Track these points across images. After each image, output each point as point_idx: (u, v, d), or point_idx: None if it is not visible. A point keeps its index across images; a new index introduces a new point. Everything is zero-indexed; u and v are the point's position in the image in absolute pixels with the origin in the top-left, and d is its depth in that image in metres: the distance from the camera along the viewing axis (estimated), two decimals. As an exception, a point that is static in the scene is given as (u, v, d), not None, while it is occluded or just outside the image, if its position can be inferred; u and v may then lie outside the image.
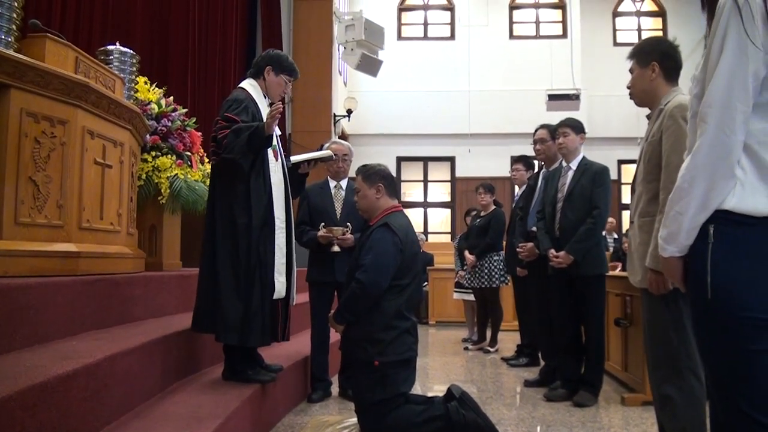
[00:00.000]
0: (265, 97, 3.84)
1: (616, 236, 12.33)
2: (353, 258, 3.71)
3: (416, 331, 3.66)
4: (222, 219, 3.54)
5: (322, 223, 4.49)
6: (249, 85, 3.82)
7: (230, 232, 3.51)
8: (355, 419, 3.63)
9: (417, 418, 3.43)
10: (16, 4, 3.43)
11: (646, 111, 3.18)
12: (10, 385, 1.98)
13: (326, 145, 4.81)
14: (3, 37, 3.33)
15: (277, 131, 3.83)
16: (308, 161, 4.08)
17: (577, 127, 4.89)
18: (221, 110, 3.61)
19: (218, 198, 3.58)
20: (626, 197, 14.34)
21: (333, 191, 4.70)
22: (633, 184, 3.10)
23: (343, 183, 4.73)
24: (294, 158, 4.07)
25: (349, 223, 4.47)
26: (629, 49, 3.15)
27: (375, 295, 3.48)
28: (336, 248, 4.42)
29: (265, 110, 3.73)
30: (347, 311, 3.56)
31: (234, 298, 3.47)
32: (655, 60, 2.95)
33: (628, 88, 3.09)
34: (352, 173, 4.32)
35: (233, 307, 3.46)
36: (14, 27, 3.42)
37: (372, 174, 3.75)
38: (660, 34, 14.15)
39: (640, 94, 3.05)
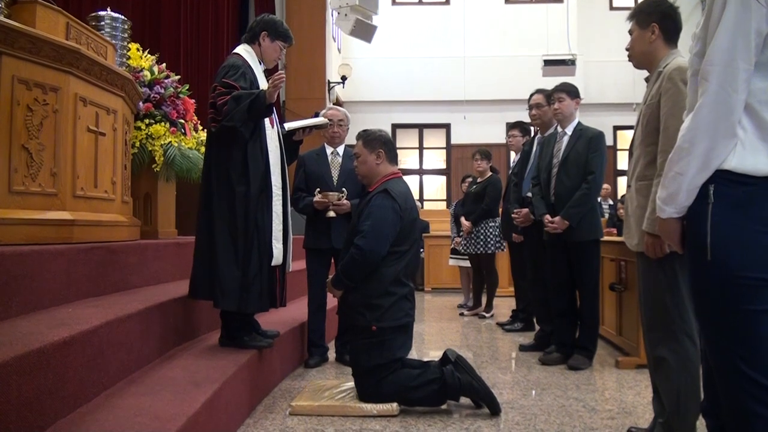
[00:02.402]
0: (260, 63, 3.80)
1: (611, 202, 12.36)
2: (351, 224, 3.71)
3: (414, 297, 3.68)
4: (219, 186, 3.52)
5: (318, 189, 4.48)
6: (244, 50, 3.77)
7: (228, 199, 3.50)
8: (352, 383, 3.65)
9: (413, 382, 3.46)
10: (4, -32, 3.38)
11: (643, 76, 3.15)
12: (6, 351, 1.99)
13: (322, 111, 4.77)
14: (-8, 2, 3.29)
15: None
16: (303, 128, 4.05)
17: (572, 92, 4.86)
18: (218, 76, 3.57)
19: (215, 165, 3.55)
20: (622, 163, 14.35)
21: (330, 158, 4.67)
22: (631, 148, 3.08)
23: (340, 149, 4.70)
24: (288, 125, 4.03)
25: (345, 189, 4.45)
26: (626, 13, 3.11)
27: (373, 261, 3.48)
28: (332, 213, 4.40)
29: (260, 76, 3.71)
30: (345, 276, 3.56)
31: (232, 265, 3.48)
32: (655, 21, 2.92)
33: (627, 50, 3.06)
34: (349, 140, 4.29)
35: (231, 274, 3.47)
36: (4, -8, 3.37)
37: (373, 139, 3.73)
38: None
39: (638, 56, 3.02)
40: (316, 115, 4.50)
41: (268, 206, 3.61)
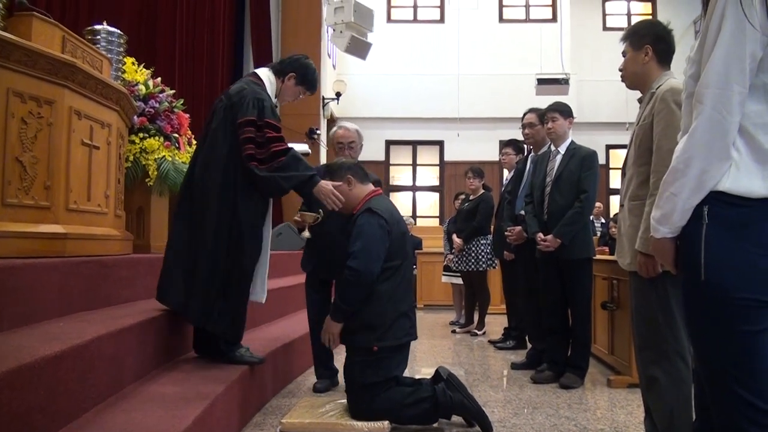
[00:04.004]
0: (275, 96, 3.79)
1: (603, 221, 12.41)
2: (342, 250, 3.66)
3: (414, 314, 3.64)
4: (221, 210, 3.49)
5: (299, 208, 4.37)
6: (267, 78, 3.75)
7: (228, 227, 3.49)
8: (343, 400, 3.63)
9: (406, 400, 3.44)
10: (1, -18, 3.39)
11: (635, 96, 3.18)
12: (-3, 365, 1.98)
13: (334, 128, 4.72)
14: (-11, 15, 3.29)
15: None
16: None
17: (565, 111, 4.89)
18: (248, 106, 3.48)
19: (222, 189, 3.49)
20: (614, 182, 14.42)
21: None
22: (623, 168, 3.10)
23: None
24: None
25: (321, 210, 4.08)
26: (619, 34, 3.15)
27: (369, 280, 3.42)
28: (306, 234, 4.20)
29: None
30: (344, 303, 3.47)
31: (210, 288, 3.48)
32: (649, 43, 2.95)
33: (620, 70, 3.08)
34: (364, 155, 4.17)
35: (208, 296, 3.48)
36: (0, 5, 3.38)
37: (337, 170, 3.72)
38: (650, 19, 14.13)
39: (631, 77, 3.04)
40: (311, 132, 4.50)
41: (261, 237, 3.63)
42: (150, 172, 4.75)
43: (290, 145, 3.75)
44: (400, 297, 3.53)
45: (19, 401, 2.00)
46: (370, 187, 3.74)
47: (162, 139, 4.92)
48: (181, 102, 5.38)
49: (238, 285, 3.53)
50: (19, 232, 3.04)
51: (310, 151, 4.24)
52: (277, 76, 3.81)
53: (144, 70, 5.17)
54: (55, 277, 2.99)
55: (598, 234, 11.34)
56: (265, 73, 3.79)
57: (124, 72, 4.93)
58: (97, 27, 4.78)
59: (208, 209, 3.50)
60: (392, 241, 3.53)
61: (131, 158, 4.69)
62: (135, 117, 4.72)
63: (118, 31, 4.86)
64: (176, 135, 5.14)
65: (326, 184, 3.56)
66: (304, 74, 3.83)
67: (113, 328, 2.84)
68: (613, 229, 9.99)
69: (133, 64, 5.09)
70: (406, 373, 3.68)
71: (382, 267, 3.48)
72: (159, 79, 5.26)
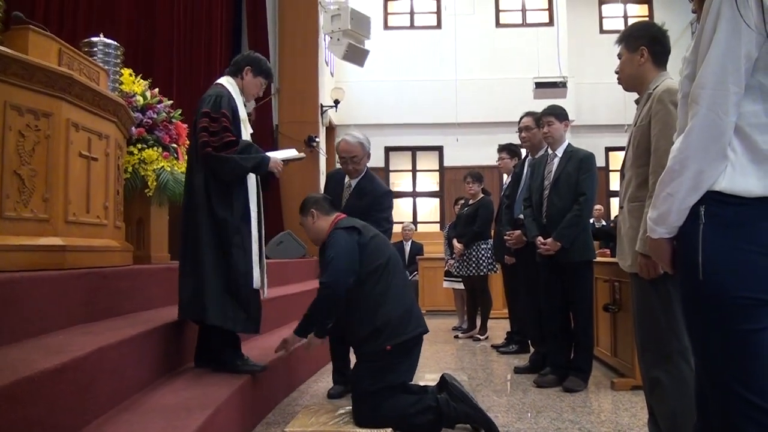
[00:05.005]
0: (241, 95, 3.86)
1: (603, 223, 12.38)
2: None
3: (418, 310, 3.67)
4: (206, 214, 3.55)
5: None
6: (227, 81, 3.84)
7: (213, 226, 3.55)
8: (347, 408, 3.63)
9: (411, 409, 3.44)
10: (-3, -5, 3.40)
11: (633, 98, 3.18)
12: (-4, 379, 1.97)
13: (338, 139, 4.71)
14: (-15, 29, 3.30)
15: (250, 129, 3.89)
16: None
17: (560, 114, 4.89)
18: (206, 102, 3.61)
19: (198, 192, 3.58)
20: (614, 184, 14.39)
21: (345, 185, 4.56)
22: (622, 170, 3.10)
23: (354, 182, 4.51)
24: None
25: None
26: (616, 36, 3.15)
27: (342, 290, 3.47)
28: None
29: (241, 107, 3.79)
30: (316, 312, 3.57)
31: (221, 290, 3.50)
32: (644, 45, 2.95)
33: (617, 72, 3.09)
34: (374, 161, 4.12)
35: (221, 297, 3.50)
36: (-3, 19, 3.39)
37: (303, 207, 3.85)
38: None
39: (628, 79, 3.05)
40: (310, 140, 4.49)
41: (248, 231, 3.67)
42: (149, 183, 4.75)
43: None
44: (398, 293, 3.56)
45: (17, 415, 1.99)
46: (333, 216, 3.83)
47: (160, 149, 4.93)
48: (179, 112, 5.38)
49: (237, 283, 3.56)
50: (18, 245, 3.04)
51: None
52: (234, 76, 3.91)
53: (141, 81, 5.18)
54: (55, 290, 2.99)
55: (599, 237, 11.32)
56: (224, 79, 3.88)
57: (121, 83, 4.93)
58: (94, 39, 4.79)
59: (200, 220, 3.56)
60: (366, 245, 3.58)
61: (130, 169, 4.69)
62: (133, 128, 4.72)
63: (115, 43, 4.88)
64: (174, 145, 5.14)
65: (274, 158, 3.73)
66: (258, 65, 3.93)
67: (114, 339, 2.84)
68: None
69: (130, 75, 5.09)
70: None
71: (366, 271, 3.53)
72: (156, 89, 5.27)
